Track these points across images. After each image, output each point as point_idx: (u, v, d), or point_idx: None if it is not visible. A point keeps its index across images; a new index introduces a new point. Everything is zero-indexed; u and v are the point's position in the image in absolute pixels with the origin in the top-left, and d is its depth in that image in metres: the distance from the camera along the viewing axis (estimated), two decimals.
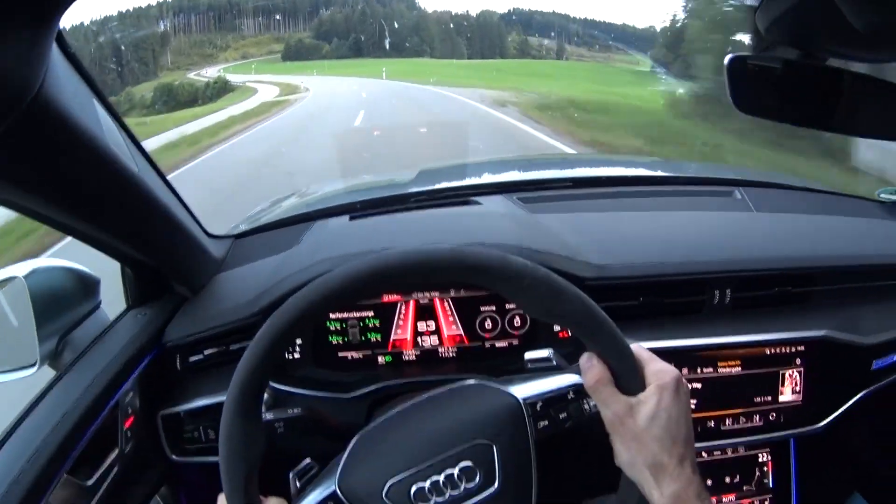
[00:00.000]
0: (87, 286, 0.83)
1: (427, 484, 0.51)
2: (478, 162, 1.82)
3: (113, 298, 0.87)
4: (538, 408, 0.54)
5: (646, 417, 0.49)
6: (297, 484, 0.54)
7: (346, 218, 0.92)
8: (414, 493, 0.50)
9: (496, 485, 0.51)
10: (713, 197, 1.04)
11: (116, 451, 0.71)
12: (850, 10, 0.44)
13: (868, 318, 0.93)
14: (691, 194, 1.05)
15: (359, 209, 0.94)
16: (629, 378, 0.51)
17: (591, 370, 0.51)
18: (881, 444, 1.01)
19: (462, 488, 0.51)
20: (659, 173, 1.11)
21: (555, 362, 0.59)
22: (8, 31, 0.36)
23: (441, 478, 0.51)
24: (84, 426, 0.66)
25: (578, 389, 0.54)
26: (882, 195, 1.07)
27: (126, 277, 0.82)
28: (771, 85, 0.69)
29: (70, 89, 0.49)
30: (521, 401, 0.54)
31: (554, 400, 0.54)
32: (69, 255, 0.86)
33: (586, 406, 0.55)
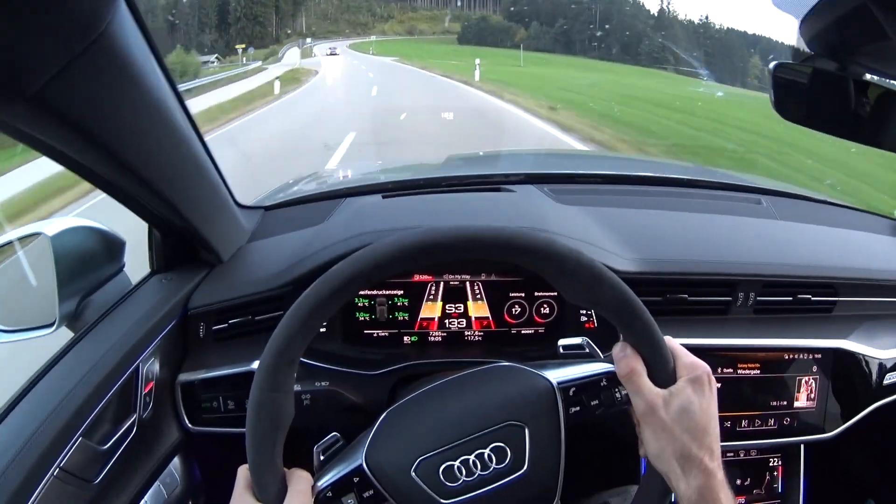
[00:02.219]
0: (111, 248, 0.82)
1: (457, 463, 0.50)
2: (505, 152, 1.82)
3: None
4: (570, 393, 0.54)
5: (677, 410, 0.50)
6: (321, 457, 0.54)
7: (378, 196, 0.92)
8: (443, 471, 0.50)
9: (525, 467, 0.51)
10: (739, 203, 1.05)
11: (134, 417, 0.70)
12: (893, 30, 0.45)
13: (885, 334, 0.95)
14: (718, 198, 1.06)
15: (391, 189, 0.94)
16: (662, 370, 0.51)
17: (624, 360, 0.52)
18: (890, 456, 1.03)
19: (492, 468, 0.50)
20: (686, 177, 1.12)
21: (587, 350, 0.59)
22: None
23: (471, 457, 0.51)
24: (102, 390, 0.65)
25: (611, 377, 0.54)
26: None
27: (153, 241, 0.81)
28: (808, 94, 0.71)
29: (132, 39, 0.49)
30: (555, 384, 0.54)
31: (586, 386, 0.54)
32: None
33: (618, 394, 0.55)
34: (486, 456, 0.51)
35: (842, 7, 0.60)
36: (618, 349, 0.53)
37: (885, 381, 0.94)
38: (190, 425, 0.77)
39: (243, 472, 0.51)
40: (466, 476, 0.50)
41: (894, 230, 1.07)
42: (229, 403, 0.76)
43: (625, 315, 0.51)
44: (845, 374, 0.90)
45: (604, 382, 0.54)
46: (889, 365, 0.94)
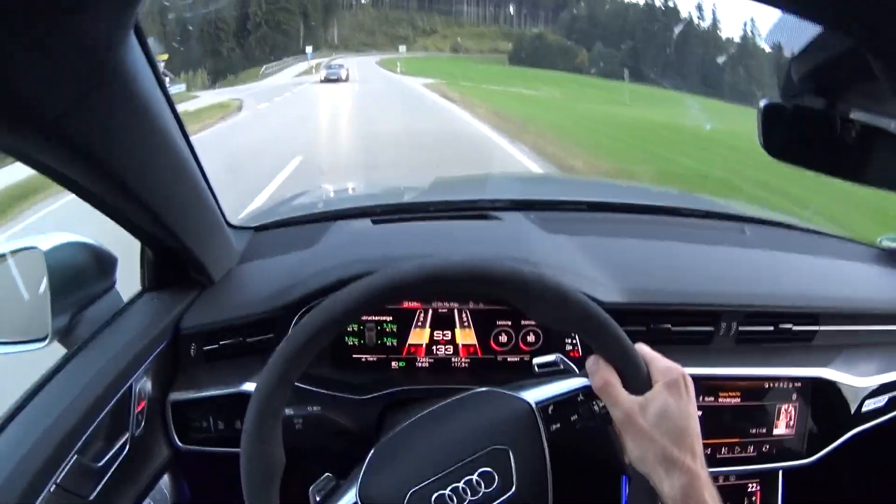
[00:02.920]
0: (104, 264, 0.83)
1: (447, 491, 0.52)
2: (492, 176, 1.82)
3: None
4: (549, 411, 0.55)
5: (655, 415, 0.50)
6: (318, 499, 0.55)
7: (368, 221, 0.93)
8: (434, 501, 0.51)
9: (514, 489, 0.52)
10: (723, 231, 1.06)
11: (126, 435, 0.71)
12: (883, 73, 0.47)
13: (864, 361, 0.97)
14: (702, 227, 1.08)
15: (379, 213, 0.95)
16: (635, 377, 0.53)
17: (598, 372, 0.53)
18: (867, 481, 1.05)
19: (482, 493, 0.52)
20: (671, 204, 1.14)
21: (562, 366, 0.59)
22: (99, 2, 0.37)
23: (461, 484, 0.52)
24: (97, 408, 0.66)
25: (587, 391, 0.55)
26: (884, 242, 1.11)
27: (146, 260, 0.82)
28: (795, 130, 0.72)
29: (140, 68, 0.51)
30: (534, 405, 0.55)
31: (564, 402, 0.55)
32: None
33: (596, 407, 0.56)
34: (474, 482, 0.52)
35: (834, 49, 0.61)
36: (590, 362, 0.54)
37: (864, 409, 0.96)
38: (180, 444, 0.78)
39: None
40: (458, 503, 0.52)
41: (877, 259, 1.09)
42: (219, 423, 0.77)
43: (592, 329, 0.53)
44: (825, 402, 0.92)
45: (581, 397, 0.56)
46: (868, 392, 0.96)
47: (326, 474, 0.55)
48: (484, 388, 0.58)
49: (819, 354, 0.93)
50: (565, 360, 0.59)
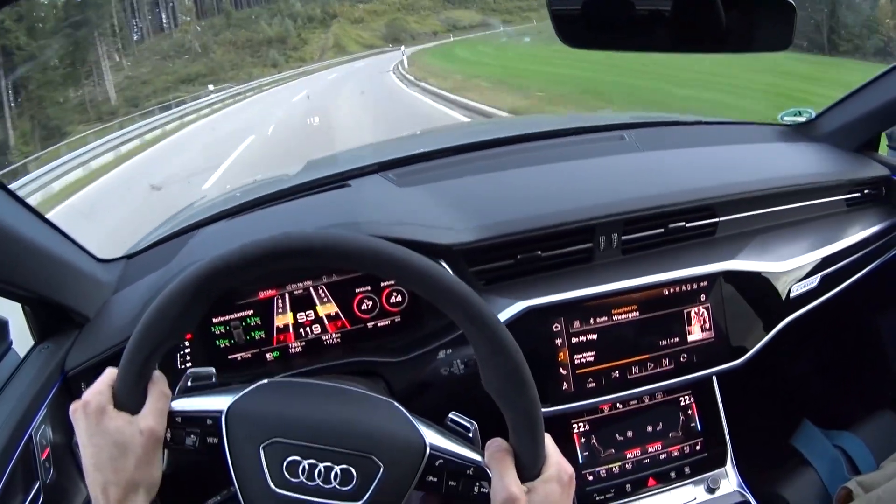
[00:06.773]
0: None
1: (305, 463, 0.51)
2: (364, 146, 1.77)
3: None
4: (436, 463, 0.54)
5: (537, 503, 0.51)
6: (189, 384, 0.56)
7: (223, 223, 0.93)
8: (288, 462, 0.51)
9: (362, 501, 0.51)
10: (600, 143, 1.01)
11: (38, 483, 0.73)
12: None
13: (780, 245, 0.91)
14: (577, 144, 1.03)
15: (236, 212, 0.95)
16: (532, 465, 0.52)
17: (496, 442, 0.53)
18: (819, 370, 0.98)
19: (332, 486, 0.51)
20: (544, 129, 1.09)
21: (471, 437, 0.58)
22: None
23: (321, 465, 0.51)
24: (2, 463, 0.69)
25: (479, 470, 0.54)
26: (785, 118, 1.04)
27: (27, 315, 0.85)
28: (587, 15, 0.70)
29: None
30: (427, 447, 0.54)
31: (453, 465, 0.54)
32: None
33: (476, 489, 0.54)
34: (333, 471, 0.51)
35: None
36: (495, 441, 0.54)
37: (793, 294, 0.90)
38: None
39: (111, 371, 0.54)
40: (307, 479, 0.51)
41: (780, 136, 1.02)
42: None
43: (511, 402, 0.51)
44: (746, 296, 0.86)
45: (470, 472, 0.54)
46: (793, 277, 0.90)
47: (211, 368, 0.57)
48: (397, 405, 0.57)
49: (726, 247, 0.88)
50: (478, 434, 0.58)
